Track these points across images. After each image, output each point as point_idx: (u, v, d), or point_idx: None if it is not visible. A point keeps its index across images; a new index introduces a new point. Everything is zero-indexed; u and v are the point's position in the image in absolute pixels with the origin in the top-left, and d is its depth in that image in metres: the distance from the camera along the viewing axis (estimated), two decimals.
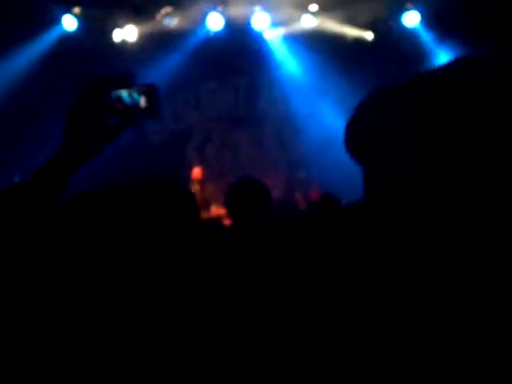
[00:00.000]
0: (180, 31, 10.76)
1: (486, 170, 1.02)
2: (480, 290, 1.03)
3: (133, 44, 10.79)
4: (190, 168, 9.37)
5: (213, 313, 1.65)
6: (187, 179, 8.92)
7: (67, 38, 10.37)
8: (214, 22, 10.48)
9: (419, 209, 1.10)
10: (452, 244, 1.06)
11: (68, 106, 1.51)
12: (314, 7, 10.36)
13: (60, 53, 10.25)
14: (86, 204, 1.65)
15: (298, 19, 10.59)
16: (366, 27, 10.78)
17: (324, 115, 11.25)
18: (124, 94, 1.51)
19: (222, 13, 10.38)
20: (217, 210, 8.39)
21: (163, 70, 10.81)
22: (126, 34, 10.68)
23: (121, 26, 10.61)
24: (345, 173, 10.10)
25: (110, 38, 10.68)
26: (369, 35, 10.86)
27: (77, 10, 10.17)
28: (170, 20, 10.44)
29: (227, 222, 7.11)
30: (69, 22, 10.18)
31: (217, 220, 7.94)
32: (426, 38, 10.57)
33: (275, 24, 10.73)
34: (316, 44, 10.83)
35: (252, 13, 10.46)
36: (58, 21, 10.18)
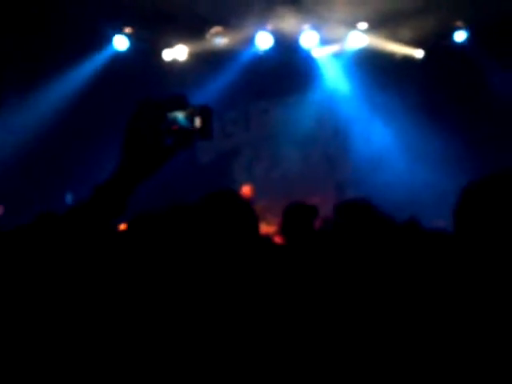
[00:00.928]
0: (229, 50, 10.86)
1: None
2: None
3: (182, 63, 10.92)
4: (239, 186, 9.38)
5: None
6: None
7: (119, 57, 10.55)
8: (263, 41, 10.54)
9: None
10: None
11: (124, 127, 1.54)
12: (363, 25, 10.33)
13: (111, 72, 10.43)
14: (153, 225, 1.69)
15: (347, 37, 10.57)
16: (415, 45, 10.70)
17: (373, 134, 11.19)
18: (179, 115, 1.53)
19: (271, 32, 10.43)
20: (267, 228, 8.36)
21: (212, 89, 10.91)
22: (176, 53, 10.83)
23: (171, 46, 10.76)
24: (393, 192, 10.10)
25: (160, 57, 10.83)
26: (418, 53, 10.76)
27: (128, 29, 10.35)
28: (220, 39, 10.54)
29: (277, 239, 7.08)
30: (120, 42, 10.36)
31: (267, 237, 7.91)
32: (477, 55, 10.43)
33: (324, 42, 10.74)
34: (365, 62, 10.80)
35: (301, 31, 10.48)
36: (109, 41, 10.39)
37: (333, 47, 10.91)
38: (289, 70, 11.07)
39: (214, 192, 2.00)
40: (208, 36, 10.55)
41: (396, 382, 1.73)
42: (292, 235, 4.16)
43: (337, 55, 11.07)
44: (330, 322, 2.02)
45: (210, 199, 1.92)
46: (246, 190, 8.96)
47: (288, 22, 10.05)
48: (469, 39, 10.31)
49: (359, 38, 10.50)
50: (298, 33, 10.52)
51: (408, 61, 10.83)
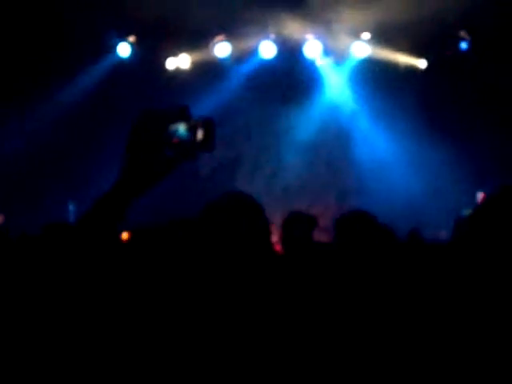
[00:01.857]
0: (233, 59, 10.88)
1: None
2: None
3: (185, 72, 10.93)
4: None
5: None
6: None
7: (122, 65, 10.57)
8: (267, 51, 10.56)
9: None
10: None
11: (125, 138, 1.52)
12: (366, 35, 10.34)
13: (115, 80, 10.45)
14: (155, 238, 1.70)
15: (350, 47, 10.59)
16: (418, 55, 10.72)
17: (375, 143, 11.20)
18: (181, 127, 1.51)
19: (275, 41, 10.45)
20: None
21: (214, 98, 10.92)
22: (180, 62, 10.85)
23: (174, 55, 10.78)
24: (395, 200, 10.08)
25: (164, 66, 10.85)
26: (422, 63, 10.78)
27: (132, 38, 10.38)
28: (223, 49, 10.55)
29: (277, 248, 7.07)
30: (124, 50, 10.38)
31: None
32: (479, 63, 10.43)
33: (327, 52, 10.75)
34: (368, 72, 10.81)
35: (304, 41, 10.50)
36: (114, 49, 10.42)
37: (336, 57, 10.92)
38: (292, 79, 11.09)
39: (228, 195, 2.00)
40: (211, 45, 10.56)
41: None
42: (291, 246, 4.16)
43: (340, 65, 11.08)
44: (327, 333, 2.02)
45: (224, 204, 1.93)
46: None
47: (292, 32, 10.07)
48: (471, 48, 10.30)
49: (362, 48, 10.51)
50: (302, 42, 10.54)
51: (411, 70, 10.85)
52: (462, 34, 10.17)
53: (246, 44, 10.53)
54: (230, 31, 10.29)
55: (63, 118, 10.09)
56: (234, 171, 11.72)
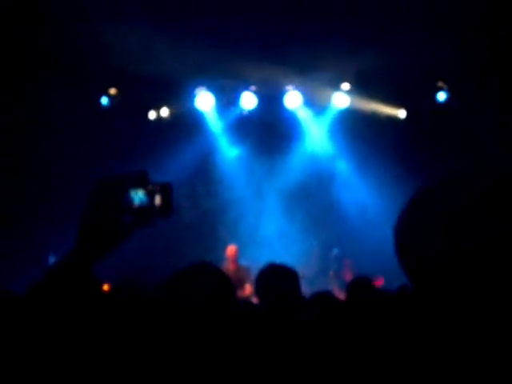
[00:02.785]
0: (214, 111, 10.99)
1: None
2: None
3: (167, 123, 11.01)
4: (224, 245, 9.34)
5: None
6: (221, 257, 8.89)
7: (105, 116, 10.62)
8: (248, 102, 10.66)
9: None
10: None
11: (82, 203, 1.51)
12: (346, 86, 10.49)
13: (98, 130, 10.48)
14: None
15: (331, 98, 10.72)
16: (398, 105, 10.86)
17: (357, 193, 11.26)
18: (139, 193, 1.51)
19: (255, 92, 10.57)
20: (250, 288, 8.32)
21: (195, 148, 11.00)
22: (161, 113, 10.94)
23: (156, 107, 10.88)
24: (378, 250, 10.09)
25: (145, 117, 10.92)
26: (401, 113, 10.92)
27: (113, 91, 10.46)
28: (205, 100, 10.64)
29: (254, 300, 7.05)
30: (105, 102, 10.48)
31: (249, 298, 7.87)
32: (458, 114, 10.58)
33: (308, 102, 10.88)
34: (349, 122, 10.93)
35: (284, 92, 10.63)
36: (96, 100, 10.50)
37: (316, 107, 11.06)
38: (273, 129, 11.19)
39: (190, 267, 1.98)
40: (192, 97, 10.66)
41: None
42: (265, 298, 4.05)
43: (321, 115, 11.20)
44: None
45: (186, 275, 1.91)
46: (230, 250, 8.94)
47: (272, 83, 10.20)
48: (450, 98, 10.45)
49: (343, 99, 10.65)
50: (282, 93, 10.67)
51: (391, 120, 10.97)
52: (440, 84, 10.34)
53: (227, 95, 10.65)
54: (210, 83, 10.40)
55: (45, 167, 10.07)
56: (218, 220, 11.71)
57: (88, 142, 10.34)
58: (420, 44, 8.52)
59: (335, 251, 10.66)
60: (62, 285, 1.47)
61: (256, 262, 9.27)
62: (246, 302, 6.62)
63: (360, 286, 5.10)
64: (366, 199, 11.16)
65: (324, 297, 4.15)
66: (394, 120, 11.00)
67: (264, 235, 11.33)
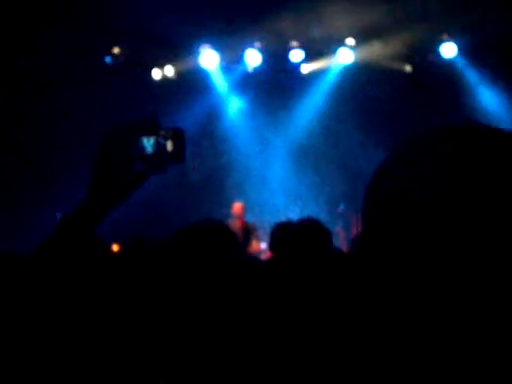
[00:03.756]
0: (218, 69, 10.93)
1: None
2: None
3: (171, 81, 10.96)
4: (230, 204, 9.39)
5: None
6: (227, 214, 8.94)
7: (109, 75, 10.57)
8: (252, 59, 10.59)
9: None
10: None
11: (93, 153, 1.49)
12: (350, 41, 10.38)
13: (102, 90, 10.44)
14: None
15: (335, 53, 10.63)
16: (403, 60, 10.76)
17: (364, 149, 11.23)
18: (150, 140, 1.48)
19: (260, 49, 10.49)
20: (256, 245, 8.39)
21: (201, 108, 10.96)
22: (166, 72, 10.89)
23: (160, 65, 10.82)
24: None
25: (150, 75, 10.87)
26: (407, 67, 10.82)
27: (116, 50, 10.40)
28: (209, 58, 10.58)
29: (267, 255, 7.11)
30: (110, 61, 10.44)
31: (256, 255, 7.94)
32: (464, 69, 10.52)
33: (312, 58, 10.80)
34: (353, 77, 10.85)
35: (289, 48, 10.55)
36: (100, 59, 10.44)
37: (321, 63, 10.97)
38: (279, 86, 11.12)
39: (196, 224, 1.97)
40: (196, 55, 10.59)
41: None
42: (280, 254, 4.14)
43: (325, 71, 11.12)
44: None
45: (192, 232, 1.91)
46: (237, 207, 8.98)
47: (276, 40, 10.11)
48: (457, 53, 10.35)
49: (347, 54, 10.56)
50: (287, 50, 10.59)
51: (397, 75, 10.88)
52: (445, 36, 10.20)
53: (231, 53, 10.57)
54: (214, 41, 10.32)
55: (50, 128, 10.06)
56: (224, 179, 11.73)
57: (92, 100, 10.32)
58: None
59: (341, 207, 10.69)
60: (73, 236, 1.48)
61: (262, 219, 9.35)
62: (254, 257, 6.69)
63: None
64: (373, 156, 11.16)
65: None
66: (400, 75, 10.90)
67: (270, 193, 11.37)
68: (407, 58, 10.72)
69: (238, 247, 1.94)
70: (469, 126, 1.03)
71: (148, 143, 1.49)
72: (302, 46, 10.49)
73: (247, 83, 11.19)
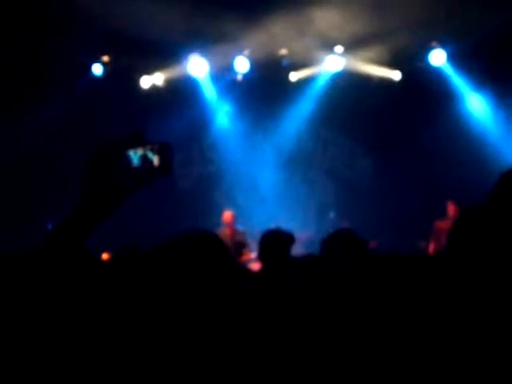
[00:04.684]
0: (207, 76, 10.95)
1: None
2: None
3: (160, 90, 10.97)
4: (220, 211, 9.37)
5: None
6: (217, 223, 8.92)
7: (97, 84, 10.58)
8: (241, 66, 10.61)
9: None
10: None
11: (82, 169, 1.51)
12: (339, 48, 10.41)
13: (91, 99, 10.44)
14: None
15: (323, 60, 10.65)
16: (392, 67, 10.79)
17: (353, 156, 11.28)
18: (137, 153, 1.50)
19: (249, 57, 10.52)
20: (247, 254, 8.36)
21: (190, 114, 10.97)
22: (154, 80, 10.91)
23: (149, 73, 10.83)
24: (372, 213, 10.14)
25: (138, 84, 10.89)
26: (396, 75, 10.85)
27: (106, 58, 10.41)
28: (198, 65, 10.59)
29: (256, 265, 7.10)
30: (98, 70, 10.46)
31: (245, 264, 7.93)
32: (453, 75, 10.57)
33: (301, 65, 10.83)
34: (342, 84, 10.88)
35: (278, 55, 10.58)
36: (88, 69, 10.45)
37: (310, 70, 10.99)
38: (266, 93, 11.14)
39: (186, 234, 1.97)
40: (185, 63, 10.60)
41: None
42: (268, 262, 4.18)
43: (314, 78, 11.15)
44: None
45: (184, 242, 1.90)
46: (227, 215, 8.95)
47: (265, 47, 10.12)
48: (446, 60, 10.41)
49: (336, 61, 10.58)
50: (276, 57, 10.61)
51: (385, 82, 10.91)
52: (434, 43, 10.25)
53: (220, 61, 10.58)
54: (203, 49, 10.33)
55: (40, 139, 10.04)
56: (214, 186, 11.73)
57: (82, 109, 10.32)
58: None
59: (332, 214, 10.71)
60: (61, 248, 1.48)
61: (252, 226, 9.33)
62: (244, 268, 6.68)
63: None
64: (363, 163, 11.21)
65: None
66: (388, 82, 10.93)
67: (260, 200, 11.37)
68: (396, 65, 10.74)
69: (227, 258, 1.92)
70: None
71: (135, 157, 1.50)
72: (290, 54, 10.52)
73: (236, 91, 11.20)
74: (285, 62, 10.72)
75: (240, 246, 8.44)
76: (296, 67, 10.89)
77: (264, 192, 11.48)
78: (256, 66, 10.67)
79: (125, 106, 10.54)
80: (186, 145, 11.49)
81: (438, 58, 10.34)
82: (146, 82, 10.92)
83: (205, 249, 1.84)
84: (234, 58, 10.57)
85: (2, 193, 9.77)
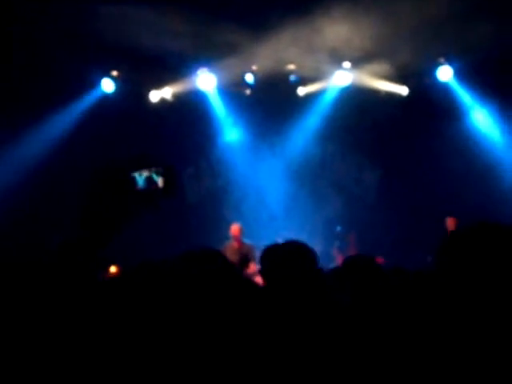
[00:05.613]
0: (216, 90, 11.00)
1: None
2: None
3: (168, 104, 11.01)
4: (228, 225, 9.37)
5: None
6: (225, 236, 8.93)
7: (107, 99, 10.64)
8: (249, 81, 10.69)
9: None
10: None
11: (85, 190, 1.50)
12: (347, 64, 10.45)
13: (100, 114, 10.48)
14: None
15: (331, 75, 10.69)
16: (399, 82, 10.81)
17: (360, 171, 11.28)
18: (142, 176, 1.52)
19: (257, 72, 10.58)
20: (254, 267, 8.36)
21: (199, 129, 11.01)
22: (163, 94, 10.96)
23: (158, 87, 10.88)
24: (379, 227, 10.11)
25: (147, 98, 10.93)
26: (403, 90, 10.87)
27: (115, 73, 10.48)
28: (207, 80, 10.65)
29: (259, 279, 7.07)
30: (107, 85, 10.53)
31: (253, 276, 7.92)
32: (460, 92, 10.60)
33: (308, 80, 10.86)
34: (350, 99, 10.90)
35: (286, 71, 10.63)
36: (97, 84, 10.53)
37: (318, 85, 11.02)
38: (275, 108, 11.16)
39: (194, 252, 1.98)
40: (194, 77, 10.66)
41: None
42: (270, 278, 4.09)
43: (322, 93, 11.17)
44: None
45: (191, 260, 1.92)
46: (234, 228, 8.96)
47: (273, 63, 10.16)
48: (453, 76, 10.44)
49: (344, 77, 10.62)
50: (284, 72, 10.66)
51: (393, 97, 10.92)
52: (441, 60, 10.30)
53: (229, 75, 10.62)
54: (211, 64, 10.38)
55: (48, 154, 10.08)
56: (221, 200, 11.75)
57: (91, 123, 10.36)
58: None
59: (338, 229, 10.71)
60: (63, 269, 1.48)
61: (259, 240, 9.34)
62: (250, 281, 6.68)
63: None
64: (368, 180, 11.22)
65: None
66: (396, 97, 10.94)
67: (267, 214, 11.37)
68: (403, 81, 10.77)
69: (231, 273, 1.95)
70: None
71: (140, 179, 1.53)
72: (298, 68, 10.56)
73: (244, 105, 11.23)
74: (293, 77, 10.75)
75: (246, 259, 8.44)
76: (304, 82, 10.92)
77: (271, 206, 11.49)
78: (264, 80, 10.70)
79: (134, 120, 10.59)
80: (194, 158, 11.54)
81: (445, 73, 10.39)
82: (155, 96, 10.97)
83: (209, 266, 1.84)
84: (242, 73, 10.63)
85: (9, 207, 9.78)
